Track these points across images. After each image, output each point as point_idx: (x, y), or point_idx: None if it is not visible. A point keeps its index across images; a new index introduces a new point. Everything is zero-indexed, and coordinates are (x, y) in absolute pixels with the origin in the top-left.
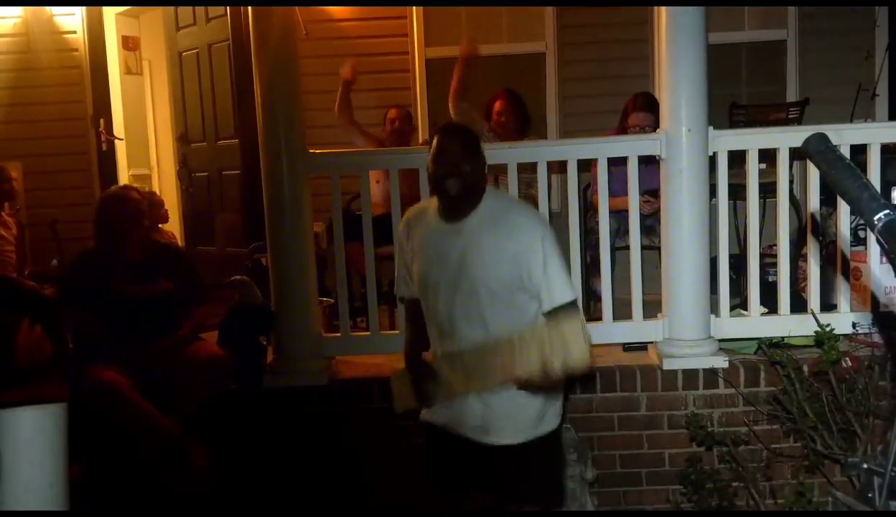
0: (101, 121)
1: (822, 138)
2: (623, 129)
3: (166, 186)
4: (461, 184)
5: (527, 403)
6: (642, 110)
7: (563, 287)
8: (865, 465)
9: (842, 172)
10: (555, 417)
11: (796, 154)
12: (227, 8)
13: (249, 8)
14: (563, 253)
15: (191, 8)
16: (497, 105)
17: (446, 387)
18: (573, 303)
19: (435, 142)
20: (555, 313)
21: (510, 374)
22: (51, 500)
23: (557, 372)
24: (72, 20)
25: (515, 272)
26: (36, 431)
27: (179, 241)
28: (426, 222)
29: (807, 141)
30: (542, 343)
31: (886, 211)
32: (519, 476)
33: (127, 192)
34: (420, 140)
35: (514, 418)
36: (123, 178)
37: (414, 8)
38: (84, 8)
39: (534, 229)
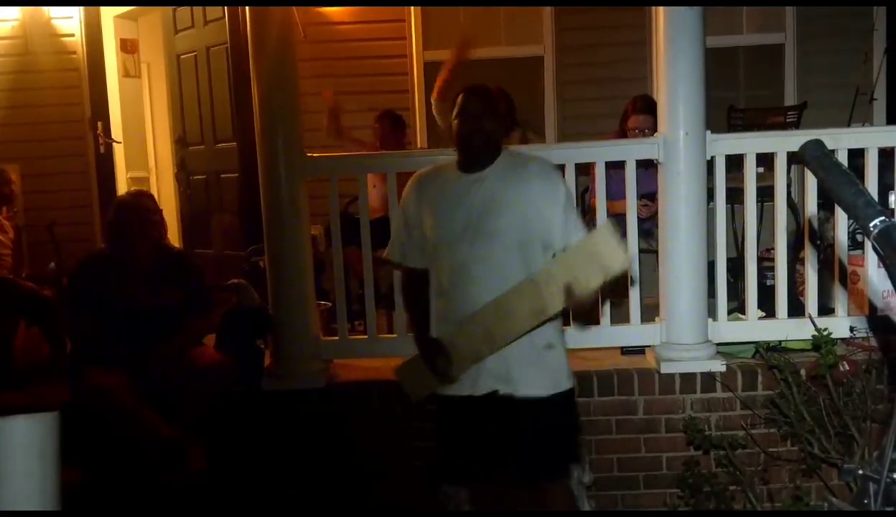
0: (99, 123)
1: (818, 144)
2: (623, 132)
3: (164, 189)
4: (484, 139)
5: (547, 355)
6: (642, 113)
7: (580, 230)
8: (861, 471)
9: (837, 179)
10: (571, 377)
11: (794, 158)
12: (226, 11)
13: (247, 11)
14: None
15: (189, 11)
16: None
17: (464, 355)
18: None
19: (459, 100)
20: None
21: (540, 314)
22: (42, 506)
23: (596, 284)
24: (70, 23)
25: (535, 217)
26: (28, 440)
27: (177, 244)
28: (443, 178)
29: (803, 147)
30: (573, 265)
31: (882, 217)
32: (543, 430)
33: (140, 200)
34: (418, 142)
35: (536, 368)
36: (121, 180)
37: (412, 11)
38: (82, 11)
39: (552, 176)
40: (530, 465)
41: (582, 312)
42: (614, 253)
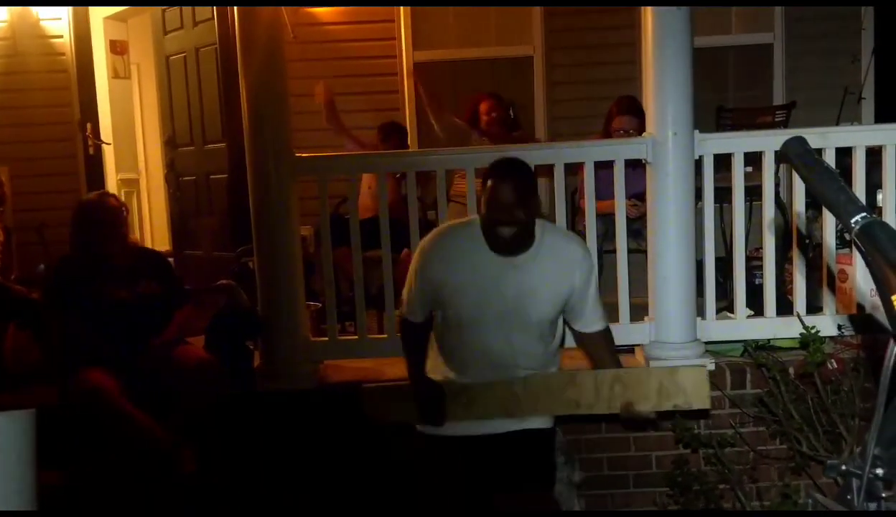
0: (89, 125)
1: (800, 141)
2: (608, 133)
3: (154, 190)
4: (515, 230)
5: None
6: (626, 114)
7: (600, 315)
8: (844, 467)
9: (820, 176)
10: None
11: (782, 157)
12: (215, 11)
13: (236, 11)
14: None
15: (178, 12)
16: (483, 106)
17: (468, 408)
18: (608, 329)
19: (489, 184)
20: (594, 337)
21: (579, 408)
22: (19, 506)
23: (659, 409)
24: (58, 24)
25: (567, 303)
26: (2, 438)
27: (167, 246)
28: (472, 249)
29: (785, 144)
30: (649, 386)
31: (863, 214)
32: (540, 459)
33: (104, 199)
34: (409, 143)
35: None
36: (111, 182)
37: (401, 12)
38: (71, 12)
39: (588, 263)
40: (524, 485)
41: (630, 425)
42: (701, 395)
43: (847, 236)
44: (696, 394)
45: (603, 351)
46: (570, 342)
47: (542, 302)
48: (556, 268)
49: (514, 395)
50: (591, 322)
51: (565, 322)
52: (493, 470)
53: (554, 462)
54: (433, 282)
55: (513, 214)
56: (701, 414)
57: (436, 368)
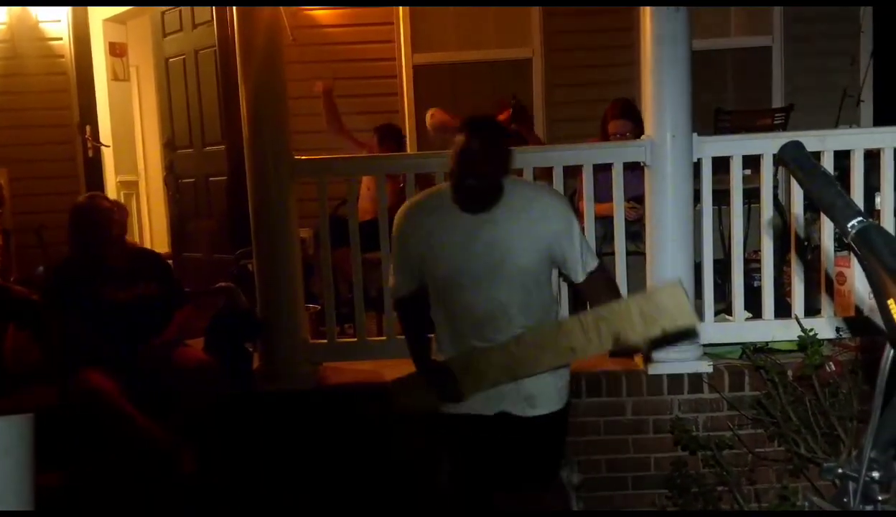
0: (88, 127)
1: (797, 146)
2: (604, 137)
3: (153, 192)
4: (482, 184)
5: (560, 372)
6: (621, 117)
7: (592, 258)
8: (841, 470)
9: (817, 180)
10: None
11: (779, 161)
12: (214, 14)
13: (235, 13)
14: None
15: (177, 14)
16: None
17: (480, 381)
18: (602, 265)
19: (459, 139)
20: (591, 279)
21: (575, 354)
22: (17, 506)
23: (653, 335)
24: (57, 26)
25: (550, 252)
26: (1, 441)
27: (166, 248)
28: (442, 214)
29: (782, 148)
30: (630, 315)
31: (860, 218)
32: (549, 444)
33: (95, 200)
34: (408, 146)
35: (553, 386)
36: (110, 184)
37: (400, 14)
38: (70, 14)
39: (564, 210)
40: (533, 477)
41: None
42: (684, 312)
43: (846, 239)
44: (680, 313)
45: (604, 295)
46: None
47: (518, 253)
48: (529, 217)
49: (511, 356)
50: (584, 266)
51: (565, 279)
52: (505, 455)
53: (565, 440)
54: (412, 251)
55: (481, 168)
56: (689, 334)
57: (438, 350)
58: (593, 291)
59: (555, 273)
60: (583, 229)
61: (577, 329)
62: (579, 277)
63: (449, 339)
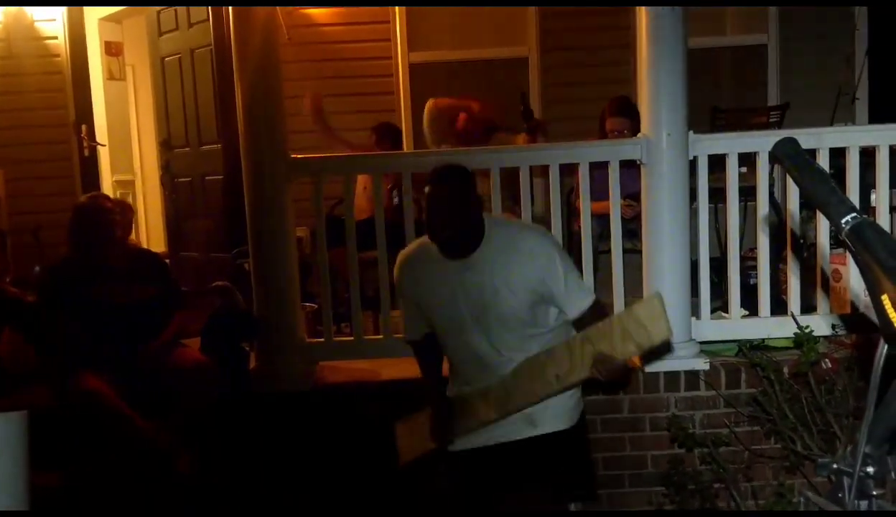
0: (84, 127)
1: (791, 142)
2: (602, 134)
3: (150, 192)
4: (456, 231)
5: (568, 394)
6: (619, 115)
7: (584, 295)
8: (836, 466)
9: (811, 177)
10: (581, 401)
11: (773, 158)
12: (210, 13)
13: (231, 12)
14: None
15: (173, 13)
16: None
17: (473, 418)
18: (597, 302)
19: (426, 190)
20: (583, 318)
21: (564, 381)
22: (11, 506)
23: (630, 354)
24: (53, 26)
25: (538, 293)
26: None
27: (162, 247)
28: (429, 263)
29: (776, 145)
30: (611, 333)
31: (854, 214)
32: (568, 460)
33: (98, 201)
34: (404, 144)
35: (557, 405)
36: (106, 183)
37: (397, 13)
38: (66, 13)
39: (547, 249)
40: (556, 492)
41: (611, 379)
42: (659, 326)
43: (841, 237)
44: (655, 327)
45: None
46: None
47: (507, 295)
48: (513, 259)
49: (507, 391)
50: (574, 304)
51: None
52: (511, 478)
53: (586, 463)
54: (411, 301)
55: (450, 218)
56: (667, 348)
57: (450, 384)
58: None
59: None
60: (580, 227)
61: (565, 355)
62: (571, 315)
63: (455, 378)
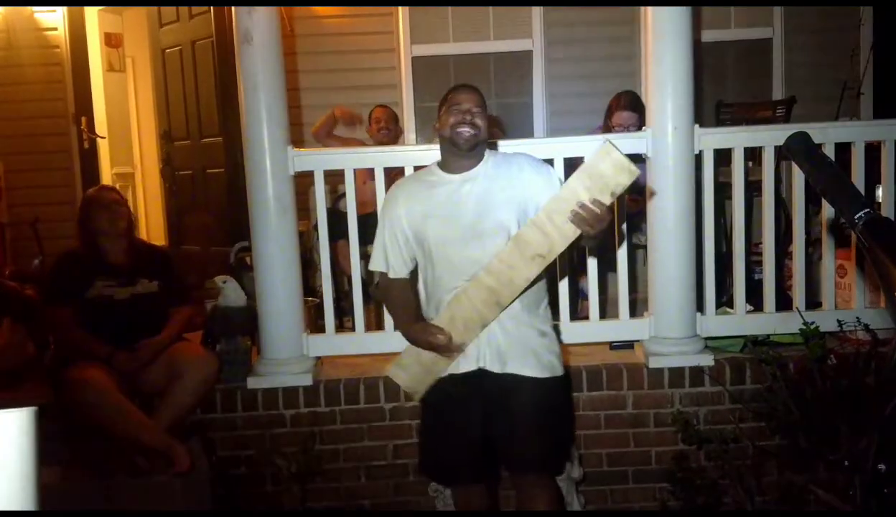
0: (83, 119)
1: (803, 136)
2: (608, 128)
3: (150, 185)
4: (475, 134)
5: (540, 341)
6: (626, 109)
7: None
8: (847, 462)
9: (823, 171)
10: (562, 364)
11: (782, 152)
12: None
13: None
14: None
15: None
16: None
17: (468, 324)
18: None
19: (450, 96)
20: None
21: (545, 258)
22: (21, 505)
23: (606, 203)
24: (53, 17)
25: (532, 205)
26: (4, 435)
27: (162, 240)
28: (428, 184)
29: (789, 139)
30: (579, 193)
31: (867, 209)
32: (535, 412)
33: (106, 193)
34: (406, 138)
35: (530, 353)
36: (106, 176)
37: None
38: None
39: (543, 165)
40: (521, 451)
41: (600, 227)
42: (621, 167)
43: (847, 232)
44: (619, 170)
45: None
46: (563, 338)
47: (498, 207)
48: (507, 175)
49: (486, 286)
50: None
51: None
52: (490, 411)
53: (559, 424)
54: (401, 225)
55: (474, 117)
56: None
57: (425, 310)
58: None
59: None
60: None
61: (535, 234)
62: None
63: (434, 308)
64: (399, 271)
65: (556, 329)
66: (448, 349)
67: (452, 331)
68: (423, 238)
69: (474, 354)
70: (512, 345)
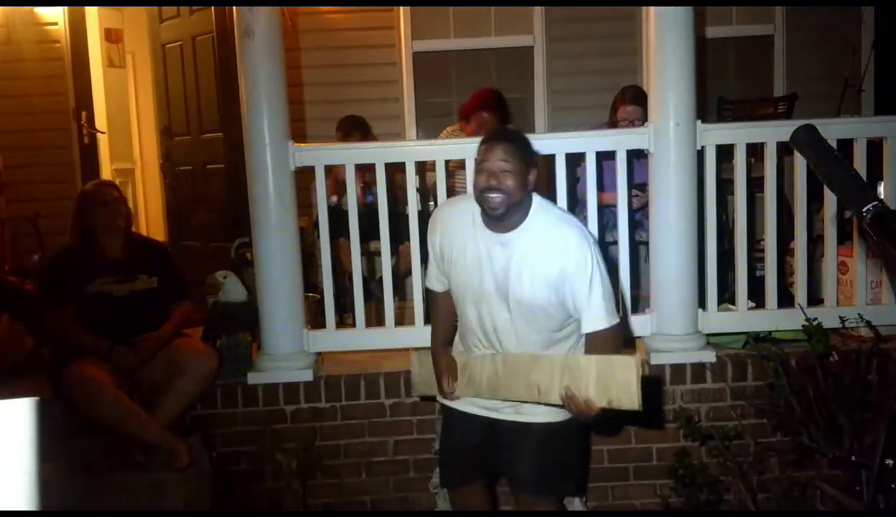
0: (84, 114)
1: (810, 129)
2: (613, 123)
3: (149, 180)
4: (504, 200)
5: None
6: (631, 103)
7: (604, 314)
8: (854, 458)
9: (830, 164)
10: None
11: (784, 148)
12: None
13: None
14: None
15: None
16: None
17: (468, 383)
18: (615, 329)
19: (481, 148)
20: (593, 337)
21: (538, 394)
22: (21, 499)
23: (599, 407)
24: (53, 11)
25: (561, 291)
26: (4, 427)
27: (162, 236)
28: (466, 224)
29: (796, 131)
30: (590, 375)
31: (875, 202)
32: (537, 448)
33: (104, 188)
34: (406, 133)
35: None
36: (106, 171)
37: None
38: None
39: (584, 251)
40: (518, 480)
41: (579, 418)
42: (629, 390)
43: (849, 228)
44: (625, 392)
45: (600, 351)
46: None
47: (525, 282)
48: (545, 250)
49: (497, 373)
50: (593, 319)
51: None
52: (500, 456)
53: (566, 460)
54: (436, 250)
55: (502, 181)
56: (637, 415)
57: (458, 341)
58: (593, 347)
59: None
60: (585, 217)
61: (547, 369)
62: (584, 329)
63: (462, 339)
64: (438, 287)
65: None
66: (444, 393)
67: (461, 378)
68: (448, 276)
69: (485, 406)
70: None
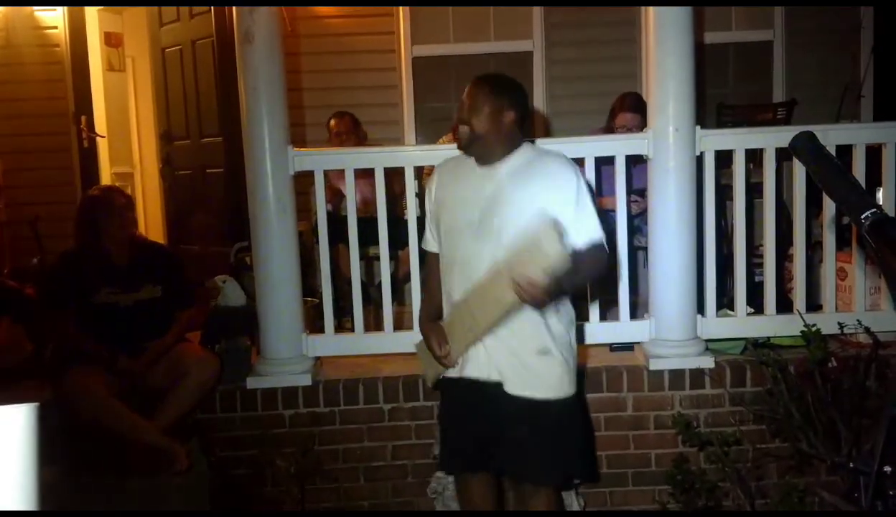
0: (83, 118)
1: (809, 136)
2: (610, 129)
3: (149, 184)
4: (468, 134)
5: (540, 360)
6: (629, 111)
7: (593, 228)
8: (852, 465)
9: (829, 170)
10: (570, 384)
11: (784, 154)
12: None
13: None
14: None
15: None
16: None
17: (457, 339)
18: (601, 246)
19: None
20: (581, 254)
21: (500, 303)
22: (20, 504)
23: (541, 282)
24: (53, 15)
25: (546, 214)
26: (4, 430)
27: (162, 240)
28: (459, 169)
29: (795, 138)
30: (522, 260)
31: (873, 209)
32: (531, 432)
33: (110, 193)
34: (405, 139)
35: (526, 371)
36: (105, 175)
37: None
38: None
39: (567, 174)
40: (518, 465)
41: (531, 302)
42: (553, 250)
43: (847, 234)
44: (553, 254)
45: (588, 266)
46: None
47: (508, 209)
48: (531, 175)
49: (469, 309)
50: (584, 231)
51: None
52: (502, 437)
53: (569, 441)
54: (431, 197)
55: (466, 120)
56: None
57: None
58: (578, 264)
59: None
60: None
61: (497, 276)
62: (575, 243)
63: (446, 300)
64: (431, 245)
65: (570, 345)
66: (439, 359)
67: (450, 340)
68: (438, 222)
69: (481, 363)
70: (513, 366)
